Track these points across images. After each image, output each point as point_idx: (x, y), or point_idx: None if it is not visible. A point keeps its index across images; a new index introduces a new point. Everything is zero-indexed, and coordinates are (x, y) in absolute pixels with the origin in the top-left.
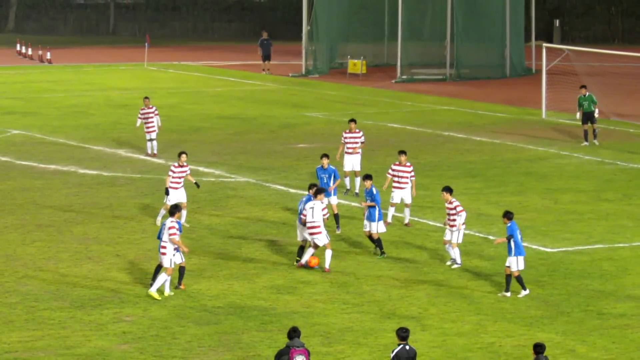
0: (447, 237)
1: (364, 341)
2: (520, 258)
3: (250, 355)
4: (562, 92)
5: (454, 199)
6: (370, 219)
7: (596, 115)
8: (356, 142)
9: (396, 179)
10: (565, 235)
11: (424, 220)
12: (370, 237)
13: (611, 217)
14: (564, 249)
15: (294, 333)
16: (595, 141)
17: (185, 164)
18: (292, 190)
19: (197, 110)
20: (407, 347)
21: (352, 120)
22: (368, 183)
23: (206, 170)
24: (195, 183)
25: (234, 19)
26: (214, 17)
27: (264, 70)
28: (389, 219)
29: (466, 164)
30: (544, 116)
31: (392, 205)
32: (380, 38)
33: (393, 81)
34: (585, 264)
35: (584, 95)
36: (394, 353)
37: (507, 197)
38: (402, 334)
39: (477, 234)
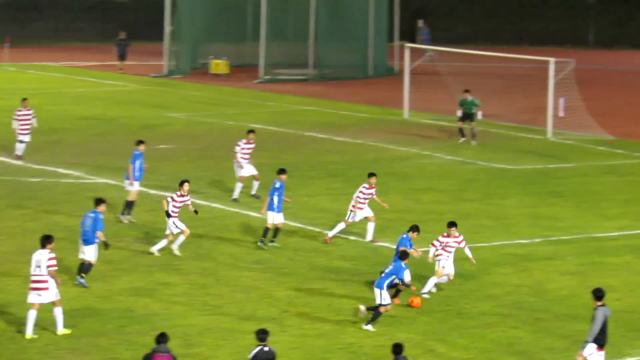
0: (447, 269)
1: (223, 343)
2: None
3: (108, 358)
4: (424, 92)
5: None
6: (277, 209)
7: (479, 117)
8: (250, 150)
9: (362, 201)
10: (426, 235)
11: (286, 222)
12: (267, 229)
13: (471, 216)
14: (424, 249)
15: (161, 338)
16: (474, 141)
17: (186, 193)
18: (152, 192)
19: (58, 111)
20: (266, 349)
21: (252, 131)
22: (284, 177)
23: (65, 171)
24: (195, 211)
25: (96, 19)
26: (75, 17)
27: (119, 69)
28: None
29: (328, 164)
30: (406, 116)
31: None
32: (243, 38)
33: (255, 81)
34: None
35: (466, 99)
36: (252, 354)
37: None
38: (261, 336)
39: (338, 235)
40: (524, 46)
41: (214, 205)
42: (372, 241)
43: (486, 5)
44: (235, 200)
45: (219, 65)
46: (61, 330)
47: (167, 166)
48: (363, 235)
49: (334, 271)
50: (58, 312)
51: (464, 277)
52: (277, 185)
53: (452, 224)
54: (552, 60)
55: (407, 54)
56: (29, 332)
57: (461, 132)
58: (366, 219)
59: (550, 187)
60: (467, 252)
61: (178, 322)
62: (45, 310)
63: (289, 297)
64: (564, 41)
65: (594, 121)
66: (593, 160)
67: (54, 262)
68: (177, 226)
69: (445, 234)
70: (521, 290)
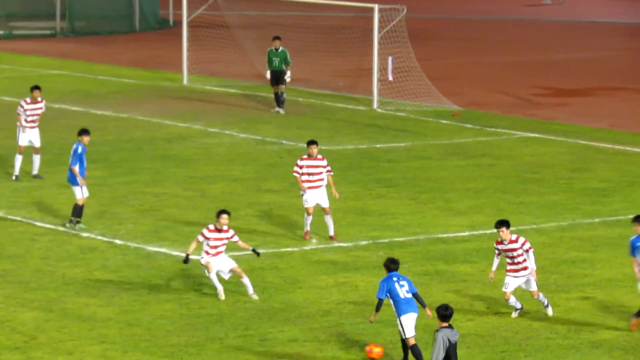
0: (525, 286)
1: None
2: None
3: None
4: (209, 50)
5: (514, 235)
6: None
7: (287, 78)
8: (38, 114)
9: (307, 177)
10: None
11: (29, 221)
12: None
13: (275, 212)
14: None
15: None
16: (281, 109)
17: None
18: None
19: None
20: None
21: (37, 87)
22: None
23: None
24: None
25: None
26: None
27: None
28: (308, 228)
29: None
30: (185, 82)
31: (309, 213)
32: None
33: None
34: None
35: (276, 50)
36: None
37: (138, 188)
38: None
39: (99, 238)
40: None
41: None
42: (331, 238)
43: None
44: (16, 178)
45: None
46: None
47: None
48: (130, 239)
49: (96, 285)
50: None
51: (267, 292)
52: (80, 150)
53: (502, 223)
54: (376, 6)
55: (184, 1)
56: None
57: (277, 99)
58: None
59: (379, 174)
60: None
61: None
62: None
63: (37, 320)
64: None
65: (433, 87)
66: (433, 137)
67: None
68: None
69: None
70: (344, 309)
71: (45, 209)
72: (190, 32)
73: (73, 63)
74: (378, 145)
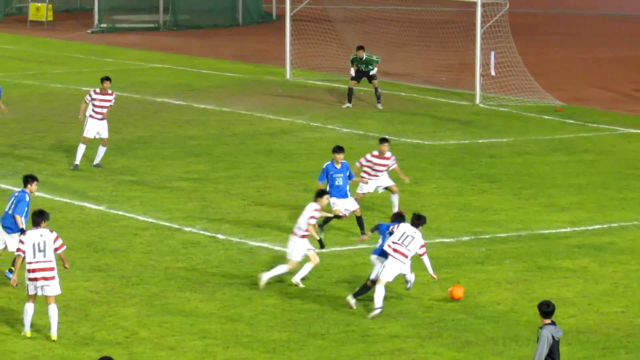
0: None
1: None
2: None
3: None
4: (311, 44)
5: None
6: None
7: (374, 72)
8: (106, 107)
9: (369, 170)
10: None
11: (132, 215)
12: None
13: (377, 207)
14: (316, 251)
15: None
16: (379, 105)
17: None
18: None
19: None
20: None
21: (107, 78)
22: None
23: None
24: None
25: None
26: None
27: None
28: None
29: (187, 140)
30: (288, 76)
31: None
32: None
33: (89, 31)
34: (346, 270)
35: (361, 59)
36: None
37: (241, 183)
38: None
39: (202, 232)
40: None
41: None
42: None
43: None
44: (75, 167)
45: (40, 10)
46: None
47: None
48: (233, 234)
49: (198, 280)
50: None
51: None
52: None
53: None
54: (479, 1)
55: None
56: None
57: (349, 96)
58: (387, 189)
59: (481, 169)
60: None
61: None
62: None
63: (139, 315)
64: None
65: (535, 82)
66: (536, 133)
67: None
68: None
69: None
70: (445, 305)
71: (147, 203)
72: (293, 26)
73: (176, 57)
74: (480, 141)
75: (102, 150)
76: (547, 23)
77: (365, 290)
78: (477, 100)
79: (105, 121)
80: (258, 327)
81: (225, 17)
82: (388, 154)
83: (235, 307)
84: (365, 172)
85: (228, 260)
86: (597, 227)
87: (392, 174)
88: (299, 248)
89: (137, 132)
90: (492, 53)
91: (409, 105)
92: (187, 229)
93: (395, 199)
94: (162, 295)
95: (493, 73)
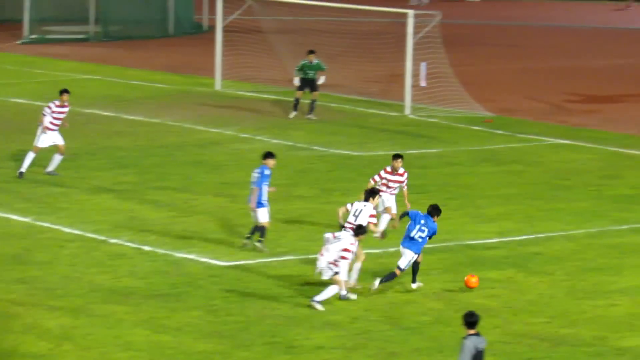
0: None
1: None
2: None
3: None
4: (242, 55)
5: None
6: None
7: (321, 81)
8: (62, 118)
9: (384, 188)
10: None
11: (58, 227)
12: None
13: (305, 219)
14: (242, 262)
15: None
16: (312, 115)
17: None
18: None
19: None
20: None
21: (66, 91)
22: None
23: None
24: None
25: None
26: None
27: None
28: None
29: (115, 151)
30: (218, 87)
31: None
32: None
33: (19, 42)
34: (271, 282)
35: (311, 63)
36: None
37: (169, 194)
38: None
39: (128, 244)
40: None
41: None
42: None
43: None
44: (21, 175)
45: None
46: None
47: None
48: (159, 245)
49: (123, 292)
50: None
51: (296, 297)
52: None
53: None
54: (410, 12)
55: (219, 5)
56: None
57: (295, 105)
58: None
59: (410, 180)
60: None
61: None
62: None
63: (63, 327)
64: None
65: (465, 93)
66: (465, 144)
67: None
68: None
69: None
70: (371, 316)
71: (73, 215)
72: (224, 37)
73: (106, 68)
74: (409, 152)
75: (59, 158)
76: (478, 34)
77: (392, 277)
78: (407, 111)
79: (58, 131)
80: (183, 338)
81: (156, 28)
82: (401, 170)
83: (160, 319)
84: (382, 190)
85: (154, 272)
86: (524, 237)
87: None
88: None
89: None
90: (423, 64)
91: (339, 116)
92: (113, 241)
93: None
94: (87, 307)
95: (423, 84)
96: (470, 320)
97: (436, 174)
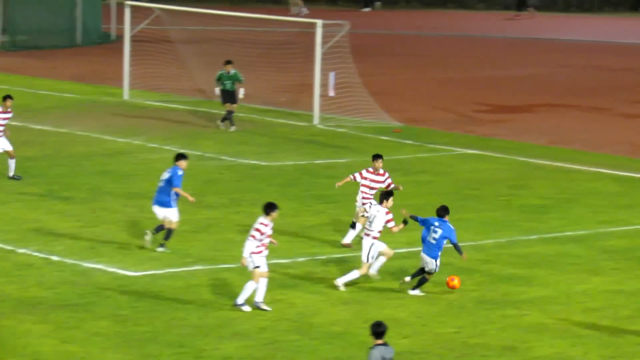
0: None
1: None
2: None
3: None
4: (150, 65)
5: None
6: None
7: (241, 95)
8: (5, 124)
9: (367, 190)
10: (153, 254)
11: None
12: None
13: (214, 228)
14: (150, 272)
15: None
16: (222, 125)
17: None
18: None
19: None
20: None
21: (9, 96)
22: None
23: None
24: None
25: None
26: None
27: None
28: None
29: (23, 162)
30: (126, 97)
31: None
32: None
33: None
34: (179, 291)
35: (228, 73)
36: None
37: (76, 204)
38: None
39: (36, 254)
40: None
41: None
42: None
43: None
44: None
45: None
46: None
47: None
48: (67, 255)
49: (31, 302)
50: None
51: (204, 309)
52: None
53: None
54: (319, 22)
55: (127, 15)
56: None
57: (229, 117)
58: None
59: (318, 190)
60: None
61: None
62: None
63: None
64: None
65: (374, 103)
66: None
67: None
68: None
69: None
70: (280, 326)
71: None
72: (133, 47)
73: (14, 77)
74: (317, 162)
75: (12, 162)
76: (388, 44)
77: (423, 281)
78: (315, 121)
79: (4, 136)
80: (91, 348)
81: (63, 38)
82: (381, 171)
83: (69, 329)
84: (364, 191)
85: (62, 282)
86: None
87: None
88: (375, 248)
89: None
90: (332, 74)
91: (247, 126)
92: (21, 251)
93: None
94: None
95: (332, 94)
96: (378, 330)
97: (345, 184)
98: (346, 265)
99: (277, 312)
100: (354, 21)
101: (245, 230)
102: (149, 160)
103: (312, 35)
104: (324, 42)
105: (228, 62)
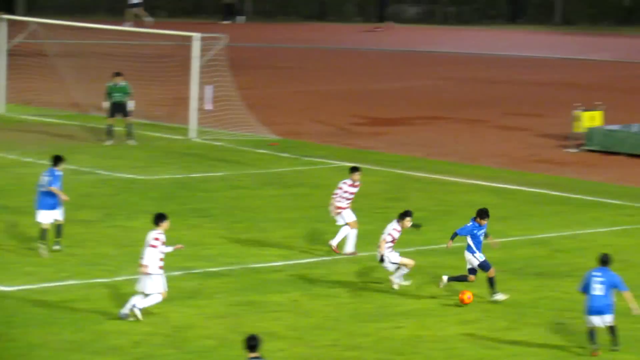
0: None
1: None
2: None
3: None
4: (26, 79)
5: None
6: None
7: (131, 107)
8: None
9: (346, 201)
10: (27, 268)
11: None
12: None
13: (88, 243)
14: (24, 287)
15: None
16: (133, 141)
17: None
18: None
19: None
20: None
21: None
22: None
23: None
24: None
25: None
26: None
27: None
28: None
29: None
30: (2, 111)
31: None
32: None
33: None
34: (54, 307)
35: (116, 85)
36: None
37: None
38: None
39: None
40: (164, 17)
41: None
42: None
43: None
44: None
45: None
46: None
47: None
48: None
49: None
50: None
51: (77, 324)
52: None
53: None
54: (197, 35)
55: (3, 29)
56: None
57: (110, 132)
58: (347, 225)
59: (194, 204)
60: None
61: None
62: None
63: None
64: (210, 12)
65: (251, 116)
66: (250, 167)
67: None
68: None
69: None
70: (154, 340)
71: None
72: (9, 61)
73: None
74: (194, 175)
75: None
76: (266, 57)
77: (463, 279)
78: (192, 135)
79: None
80: None
81: None
82: (358, 183)
83: None
84: (342, 207)
85: None
86: (309, 260)
87: None
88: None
89: None
90: (208, 87)
91: (124, 140)
92: None
93: (353, 234)
94: None
95: (209, 107)
96: (251, 343)
97: (221, 197)
98: (223, 278)
99: (151, 326)
100: (232, 34)
101: (120, 244)
102: (23, 175)
103: (190, 48)
104: (202, 55)
105: (118, 74)
